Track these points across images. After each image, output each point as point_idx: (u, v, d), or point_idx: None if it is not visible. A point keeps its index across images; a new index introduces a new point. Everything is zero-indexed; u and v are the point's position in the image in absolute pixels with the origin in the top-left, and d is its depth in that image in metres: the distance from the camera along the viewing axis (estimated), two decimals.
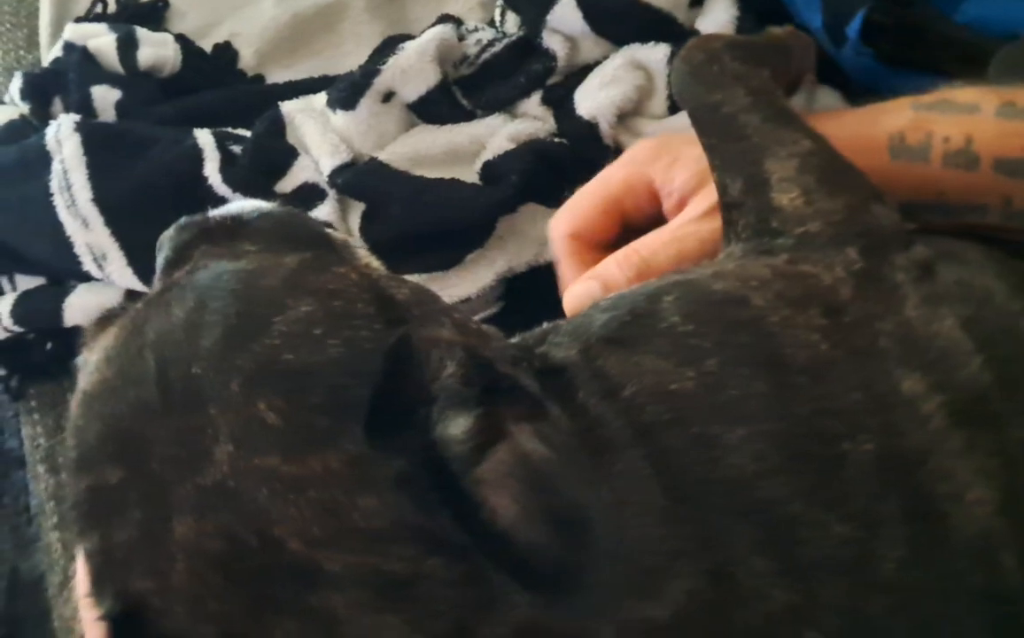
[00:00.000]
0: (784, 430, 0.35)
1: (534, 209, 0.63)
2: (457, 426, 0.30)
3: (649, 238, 0.47)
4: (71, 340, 0.77)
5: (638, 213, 0.50)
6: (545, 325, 0.42)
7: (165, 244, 0.38)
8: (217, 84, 0.78)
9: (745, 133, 0.44)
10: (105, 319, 0.35)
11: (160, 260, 0.38)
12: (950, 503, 0.35)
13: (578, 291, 0.46)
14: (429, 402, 0.30)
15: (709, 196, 0.46)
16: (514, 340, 0.41)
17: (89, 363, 0.34)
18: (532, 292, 0.65)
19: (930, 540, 0.34)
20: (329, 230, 0.41)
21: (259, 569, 0.30)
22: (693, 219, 0.46)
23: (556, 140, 0.63)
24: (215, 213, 0.39)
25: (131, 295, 0.70)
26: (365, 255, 0.40)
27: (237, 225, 0.38)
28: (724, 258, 0.43)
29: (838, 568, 0.33)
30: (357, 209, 0.66)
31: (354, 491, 0.30)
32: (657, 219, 0.49)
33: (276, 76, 0.78)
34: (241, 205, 0.39)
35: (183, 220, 0.38)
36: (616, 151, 0.61)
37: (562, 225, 0.51)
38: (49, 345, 0.77)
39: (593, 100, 0.63)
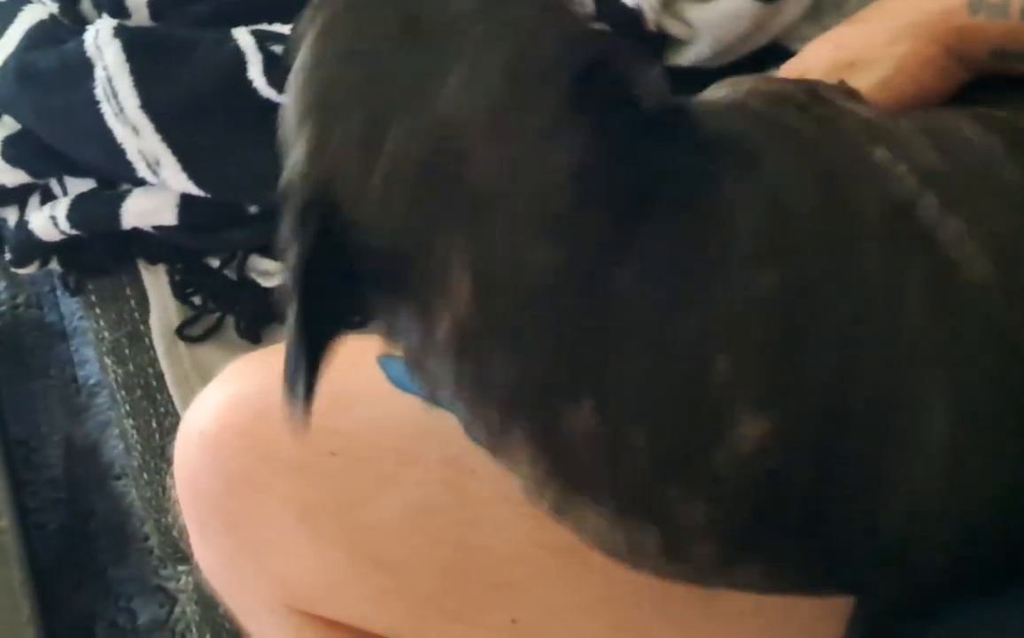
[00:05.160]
0: None
1: None
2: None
3: None
4: (126, 239, 0.80)
5: None
6: None
7: None
8: None
9: None
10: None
11: None
12: None
13: None
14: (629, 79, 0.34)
15: None
16: None
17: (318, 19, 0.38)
18: None
19: None
20: None
21: (446, 188, 0.35)
22: None
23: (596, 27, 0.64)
24: None
25: (186, 199, 0.73)
26: None
27: None
28: None
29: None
30: None
31: (547, 131, 0.34)
32: None
33: None
34: None
35: None
36: (660, 37, 0.62)
37: None
38: (105, 245, 0.81)
39: None
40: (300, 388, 0.36)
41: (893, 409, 0.36)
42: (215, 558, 0.54)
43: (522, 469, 0.38)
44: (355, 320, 0.38)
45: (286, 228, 0.36)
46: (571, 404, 0.35)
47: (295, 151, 0.37)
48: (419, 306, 0.36)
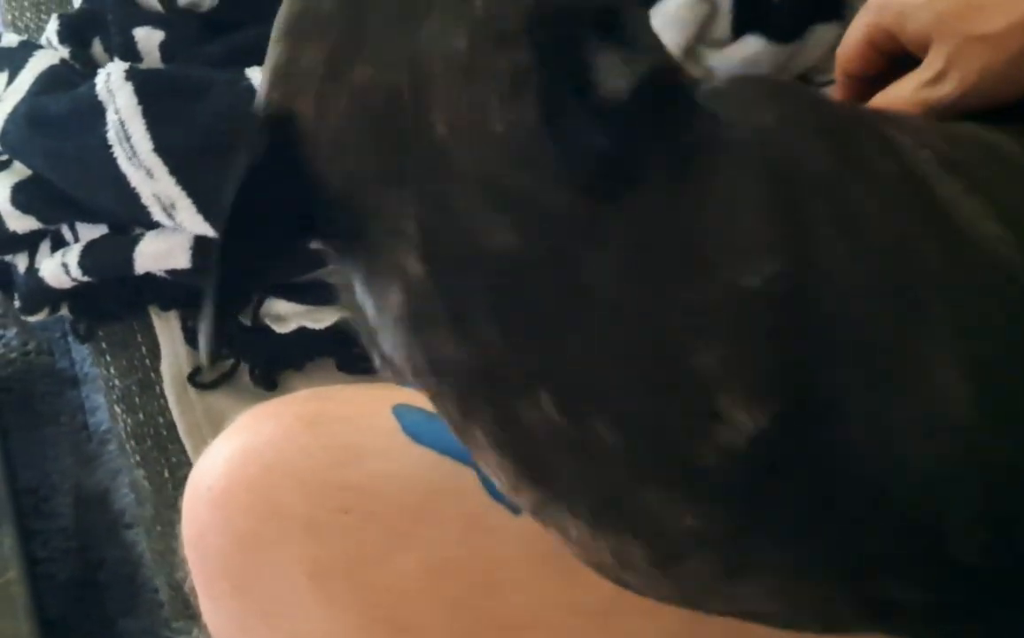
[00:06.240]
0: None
1: None
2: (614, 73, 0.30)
3: (892, 94, 0.47)
4: (138, 285, 0.79)
5: (895, 47, 0.49)
6: None
7: None
8: (256, 15, 0.77)
9: None
10: None
11: None
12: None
13: None
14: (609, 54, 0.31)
15: (938, 58, 0.45)
16: None
17: None
18: None
19: None
20: None
21: (402, 138, 0.32)
22: (924, 84, 0.46)
23: None
24: None
25: (201, 240, 0.72)
26: None
27: None
28: None
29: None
30: None
31: (508, 96, 0.32)
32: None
33: None
34: None
35: None
36: None
37: (837, 62, 0.52)
38: (117, 291, 0.79)
39: None
40: (207, 325, 0.34)
41: (903, 372, 0.33)
42: (224, 619, 0.52)
43: (494, 471, 0.35)
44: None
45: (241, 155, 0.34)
46: (527, 394, 0.32)
47: (262, 75, 0.35)
48: (369, 271, 0.34)
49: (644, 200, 0.32)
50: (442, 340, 0.33)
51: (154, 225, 0.72)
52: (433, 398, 0.35)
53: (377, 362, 0.37)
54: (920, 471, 0.33)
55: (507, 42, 0.32)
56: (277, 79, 0.35)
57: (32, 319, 0.83)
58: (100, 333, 0.84)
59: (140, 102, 0.69)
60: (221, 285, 0.34)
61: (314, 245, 0.36)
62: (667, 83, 0.31)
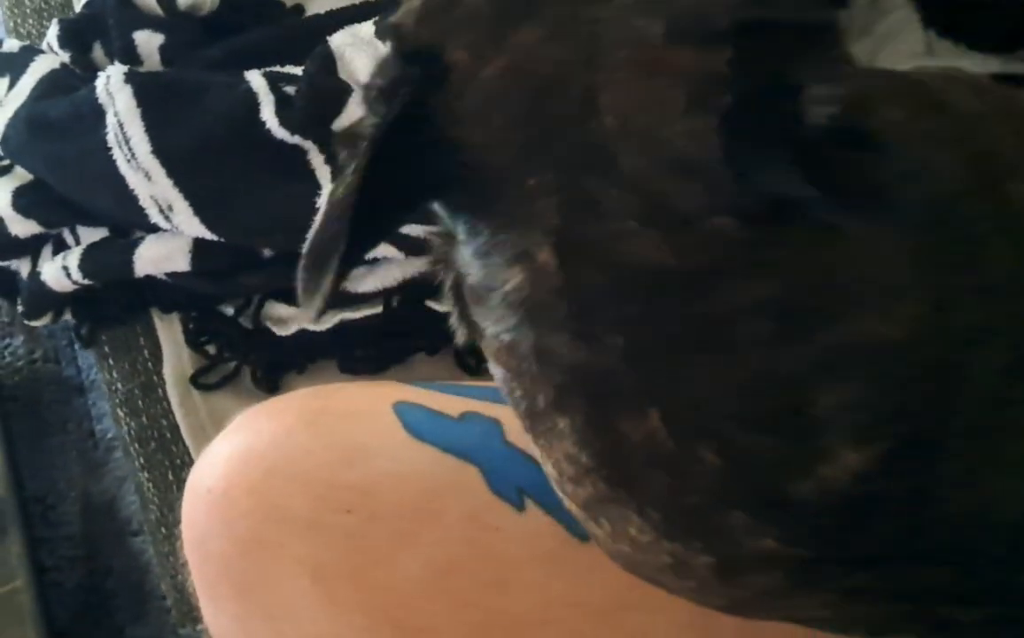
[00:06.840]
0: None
1: None
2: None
3: None
4: (140, 288, 0.79)
5: None
6: None
7: None
8: (257, 18, 0.77)
9: None
10: None
11: None
12: None
13: None
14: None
15: None
16: None
17: None
18: None
19: None
20: None
21: (561, 117, 0.29)
22: None
23: None
24: None
25: (199, 244, 0.71)
26: None
27: None
28: None
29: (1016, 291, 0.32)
30: None
31: (694, 102, 0.28)
32: None
33: (316, 6, 0.76)
34: None
35: None
36: None
37: None
38: (118, 294, 0.79)
39: None
40: (325, 281, 0.31)
41: (1006, 427, 0.32)
42: (226, 623, 0.51)
43: (557, 458, 0.34)
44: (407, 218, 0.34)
45: (378, 78, 0.31)
46: (634, 407, 0.31)
47: (407, 2, 0.32)
48: (491, 244, 0.31)
49: (802, 235, 0.30)
50: (556, 334, 0.31)
51: (153, 228, 0.72)
52: (515, 374, 0.33)
53: (455, 322, 0.35)
54: (1008, 521, 0.32)
55: (707, 40, 0.29)
56: (430, 14, 0.31)
57: (35, 324, 0.82)
58: (103, 337, 0.84)
59: (139, 105, 0.69)
60: (351, 235, 0.30)
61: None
62: (858, 114, 0.29)
